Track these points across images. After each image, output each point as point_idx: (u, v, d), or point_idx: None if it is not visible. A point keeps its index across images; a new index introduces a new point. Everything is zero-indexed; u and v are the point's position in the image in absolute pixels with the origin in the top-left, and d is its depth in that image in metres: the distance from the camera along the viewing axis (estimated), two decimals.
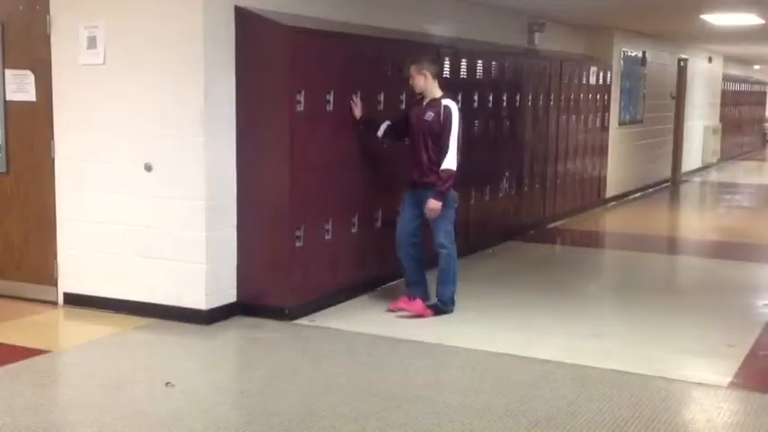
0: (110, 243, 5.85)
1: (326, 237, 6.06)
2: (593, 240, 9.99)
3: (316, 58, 5.82)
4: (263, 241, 5.77)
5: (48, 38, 5.92)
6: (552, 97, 9.84)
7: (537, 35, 10.06)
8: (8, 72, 6.13)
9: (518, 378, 4.76)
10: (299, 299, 5.83)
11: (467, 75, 7.87)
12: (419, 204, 5.86)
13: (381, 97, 6.55)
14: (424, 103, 5.84)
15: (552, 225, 10.12)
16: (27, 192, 6.18)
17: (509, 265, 8.12)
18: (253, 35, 5.67)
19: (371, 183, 6.47)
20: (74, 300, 6.03)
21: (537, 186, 9.67)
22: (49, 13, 5.91)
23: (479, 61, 8.10)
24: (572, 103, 10.41)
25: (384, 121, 6.13)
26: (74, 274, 6.03)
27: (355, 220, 6.36)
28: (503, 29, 9.40)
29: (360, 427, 4.01)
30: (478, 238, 8.33)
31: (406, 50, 6.93)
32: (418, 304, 5.90)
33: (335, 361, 5.01)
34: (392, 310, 5.94)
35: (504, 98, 8.66)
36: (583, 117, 10.82)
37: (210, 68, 5.49)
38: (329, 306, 6.04)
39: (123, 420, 4.05)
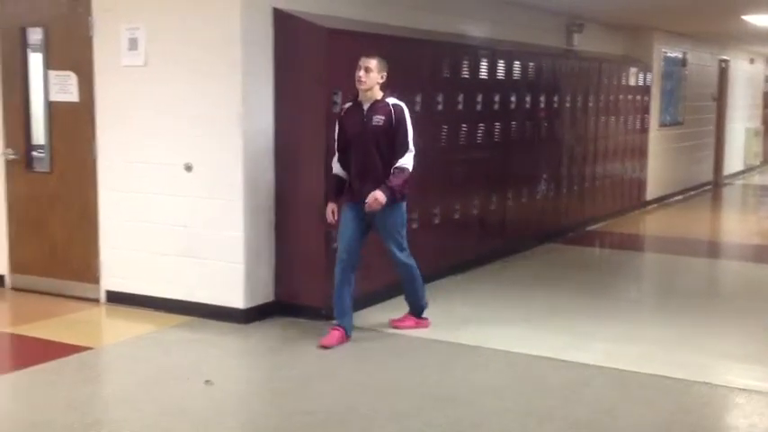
0: (151, 242, 5.92)
1: None
2: (633, 243, 9.87)
3: (352, 59, 5.81)
4: (300, 241, 5.79)
5: (90, 39, 6.01)
6: (591, 98, 9.74)
7: (576, 36, 9.98)
8: (51, 73, 6.24)
9: (557, 381, 4.72)
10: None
11: (504, 76, 7.83)
12: (367, 223, 5.29)
13: (418, 98, 6.54)
14: (365, 108, 5.18)
15: (591, 228, 10.02)
16: (70, 191, 6.28)
17: (547, 267, 8.05)
18: (290, 36, 5.69)
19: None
20: (116, 297, 6.11)
21: (576, 188, 9.58)
22: (90, 15, 6.00)
23: (517, 62, 8.06)
24: (611, 104, 10.31)
25: (335, 165, 5.34)
26: (116, 273, 6.11)
27: None
28: (541, 30, 9.33)
29: (398, 428, 4.00)
30: (515, 240, 8.28)
31: (442, 52, 6.93)
32: (410, 321, 5.61)
33: (372, 361, 5.01)
34: (399, 327, 5.61)
35: (542, 99, 8.60)
36: (622, 118, 10.71)
37: (249, 69, 5.53)
38: (366, 306, 6.03)
39: (164, 417, 4.09)
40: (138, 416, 4.10)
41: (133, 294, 6.01)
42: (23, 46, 6.40)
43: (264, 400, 4.49)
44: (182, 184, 5.75)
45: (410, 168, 5.20)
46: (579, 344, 5.40)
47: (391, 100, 5.22)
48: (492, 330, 5.67)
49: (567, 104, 9.19)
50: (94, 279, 6.19)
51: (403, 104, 5.25)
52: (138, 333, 5.49)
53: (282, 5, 5.70)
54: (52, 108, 6.29)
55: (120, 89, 5.94)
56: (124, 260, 6.06)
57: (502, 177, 7.99)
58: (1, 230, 6.57)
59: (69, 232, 6.31)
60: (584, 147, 9.71)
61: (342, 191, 5.31)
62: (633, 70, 10.97)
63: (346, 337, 5.27)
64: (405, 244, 5.41)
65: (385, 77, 5.19)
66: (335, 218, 5.30)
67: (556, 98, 8.89)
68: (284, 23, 5.68)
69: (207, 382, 4.54)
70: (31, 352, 5.19)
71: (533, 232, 8.69)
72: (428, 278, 6.75)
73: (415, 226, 6.61)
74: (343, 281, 5.27)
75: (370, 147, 5.17)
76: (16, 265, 6.56)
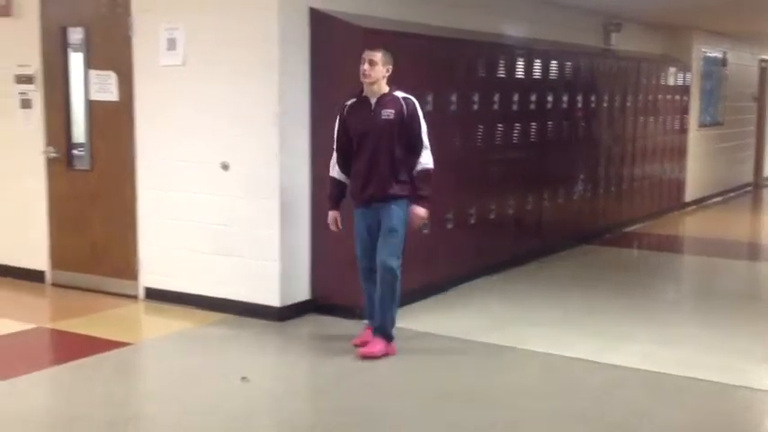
0: (188, 240, 5.98)
1: None
2: (671, 245, 9.74)
3: None
4: (335, 240, 5.80)
5: (129, 39, 6.08)
6: (629, 98, 9.65)
7: (613, 35, 9.89)
8: (92, 72, 6.33)
9: (593, 383, 4.68)
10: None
11: (541, 75, 7.78)
12: (377, 224, 4.97)
13: (454, 98, 6.53)
14: (373, 102, 4.92)
15: (629, 229, 9.92)
16: (110, 188, 6.36)
17: (584, 268, 7.97)
18: (327, 36, 5.71)
19: (444, 184, 6.45)
20: (154, 294, 6.18)
21: (613, 189, 9.49)
22: (130, 15, 6.07)
23: (554, 62, 8.01)
24: (650, 104, 10.20)
25: (334, 169, 5.12)
26: (154, 270, 6.18)
27: (427, 221, 6.33)
28: (578, 29, 9.26)
29: (431, 428, 4.00)
30: (552, 240, 8.23)
31: (479, 51, 6.91)
32: (379, 345, 5.00)
33: (407, 361, 5.00)
34: (359, 347, 5.06)
35: (580, 99, 8.53)
36: (661, 119, 10.59)
37: (285, 69, 5.56)
38: (401, 306, 6.00)
39: (199, 413, 4.13)
40: (174, 412, 4.15)
41: (171, 291, 6.08)
42: (64, 45, 6.50)
43: (299, 398, 4.52)
44: (219, 183, 5.80)
45: (432, 166, 4.97)
46: (615, 346, 5.35)
47: (400, 93, 4.94)
48: (527, 331, 5.64)
49: (605, 104, 9.11)
50: (133, 276, 6.27)
51: (414, 98, 4.98)
52: (176, 330, 5.56)
53: (319, 5, 5.72)
54: (92, 107, 6.38)
55: (158, 88, 6.01)
56: (162, 257, 6.13)
57: (538, 177, 7.94)
58: (42, 227, 6.68)
59: (109, 229, 6.40)
60: (622, 147, 9.62)
61: (343, 195, 5.09)
62: (672, 70, 10.84)
63: (384, 342, 5.13)
64: (401, 251, 4.95)
65: (391, 70, 4.93)
66: (339, 225, 5.09)
67: (593, 98, 8.82)
68: (321, 23, 5.70)
69: (243, 379, 4.57)
70: (71, 347, 5.28)
71: (570, 233, 8.62)
72: (464, 278, 6.79)
73: (450, 226, 6.61)
74: (368, 286, 5.13)
75: (378, 143, 4.89)
76: (57, 261, 6.68)
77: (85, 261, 6.52)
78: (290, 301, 5.74)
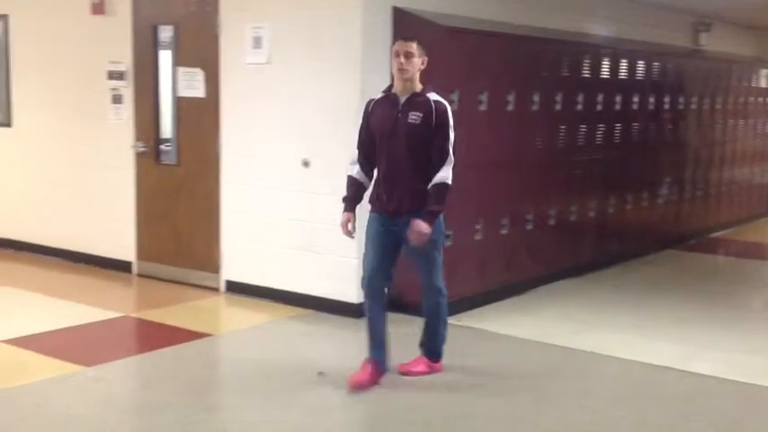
0: (269, 235, 6.07)
1: (477, 237, 6.03)
2: (759, 252, 9.39)
3: (470, 58, 5.80)
4: None
5: (216, 38, 6.22)
6: (719, 100, 9.36)
7: (703, 35, 9.62)
8: (180, 69, 6.49)
9: (676, 392, 4.55)
10: (447, 298, 5.80)
11: (627, 76, 7.62)
12: (398, 237, 4.45)
13: (537, 98, 6.45)
14: (401, 101, 4.39)
15: (715, 234, 9.62)
16: (195, 183, 6.51)
17: (668, 274, 7.77)
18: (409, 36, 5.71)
19: (524, 184, 6.40)
20: (235, 287, 6.31)
21: (700, 193, 9.22)
22: (218, 14, 6.20)
23: (640, 62, 7.83)
24: (740, 106, 9.87)
25: (353, 168, 4.58)
26: (235, 264, 6.31)
27: (506, 221, 6.29)
28: (666, 28, 9.04)
29: (508, 428, 3.96)
30: (634, 244, 8.05)
31: (562, 50, 6.81)
32: (422, 365, 4.69)
33: (482, 362, 4.97)
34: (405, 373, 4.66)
35: (667, 100, 8.32)
36: (751, 122, 10.25)
37: (368, 68, 5.59)
38: (477, 307, 6.00)
39: (277, 406, 4.19)
40: (252, 403, 4.22)
41: (251, 285, 6.19)
42: (155, 43, 6.69)
43: (375, 394, 4.53)
44: (301, 179, 5.87)
45: (450, 182, 4.35)
46: (699, 354, 5.20)
47: (433, 96, 4.37)
48: (607, 336, 5.53)
49: (693, 106, 8.86)
50: (215, 269, 6.40)
51: (446, 103, 4.40)
52: (256, 323, 5.65)
53: (402, 4, 5.73)
54: (180, 103, 6.54)
55: (243, 86, 6.12)
56: (244, 251, 6.24)
57: (621, 180, 7.78)
58: (130, 220, 6.90)
59: (193, 223, 6.56)
60: (710, 150, 9.34)
61: (360, 198, 4.59)
62: (764, 72, 10.48)
63: (380, 370, 4.53)
64: (439, 268, 4.54)
65: (426, 63, 4.39)
66: (351, 228, 4.55)
67: (681, 99, 8.59)
68: (403, 22, 5.71)
69: (320, 373, 4.62)
70: (155, 336, 5.43)
71: (654, 237, 8.42)
72: (543, 280, 6.71)
73: (529, 227, 6.54)
74: (373, 305, 4.55)
75: (400, 147, 4.36)
76: (143, 252, 6.88)
77: (170, 253, 6.69)
78: None
